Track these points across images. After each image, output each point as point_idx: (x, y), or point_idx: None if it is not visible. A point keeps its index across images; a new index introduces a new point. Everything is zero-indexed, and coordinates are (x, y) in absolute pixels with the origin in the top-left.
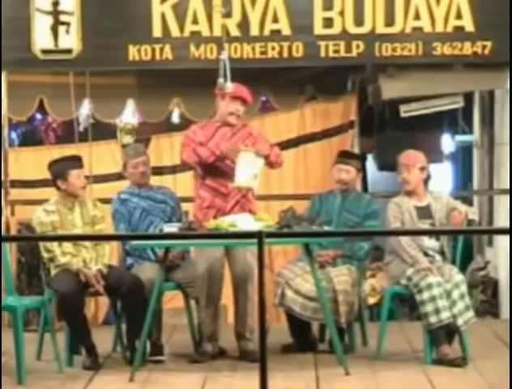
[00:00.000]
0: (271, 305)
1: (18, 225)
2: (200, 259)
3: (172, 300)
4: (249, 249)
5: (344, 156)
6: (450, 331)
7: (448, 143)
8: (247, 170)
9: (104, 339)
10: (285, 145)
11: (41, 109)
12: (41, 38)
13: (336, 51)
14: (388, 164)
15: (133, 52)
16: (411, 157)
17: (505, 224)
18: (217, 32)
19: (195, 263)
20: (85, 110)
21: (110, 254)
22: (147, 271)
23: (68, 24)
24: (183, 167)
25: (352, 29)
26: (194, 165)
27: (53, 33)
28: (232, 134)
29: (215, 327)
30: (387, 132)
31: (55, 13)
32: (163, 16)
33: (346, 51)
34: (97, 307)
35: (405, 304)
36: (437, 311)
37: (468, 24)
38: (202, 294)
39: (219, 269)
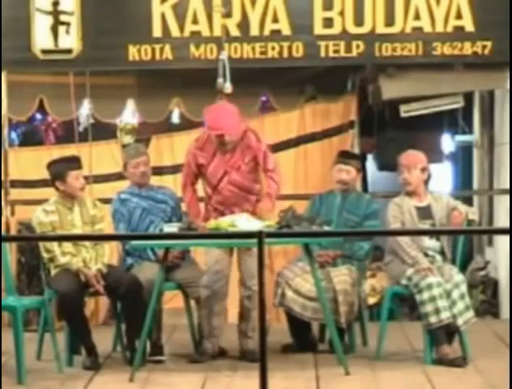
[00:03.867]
0: (271, 305)
1: (18, 225)
2: (207, 258)
3: (172, 300)
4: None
5: (344, 156)
6: (450, 331)
7: (448, 143)
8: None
9: (104, 339)
10: (285, 145)
11: (41, 109)
12: (41, 38)
13: (336, 51)
14: (388, 164)
15: (133, 52)
16: (412, 158)
17: (505, 224)
18: (217, 32)
19: (197, 263)
20: (85, 110)
21: (110, 254)
22: (147, 271)
23: (68, 24)
24: (183, 167)
25: (352, 29)
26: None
27: (53, 33)
28: (232, 153)
29: (217, 325)
30: (387, 132)
31: (55, 13)
32: (163, 16)
33: (346, 51)
34: (97, 307)
35: (405, 304)
36: (437, 311)
37: (468, 24)
38: (206, 293)
39: (226, 269)
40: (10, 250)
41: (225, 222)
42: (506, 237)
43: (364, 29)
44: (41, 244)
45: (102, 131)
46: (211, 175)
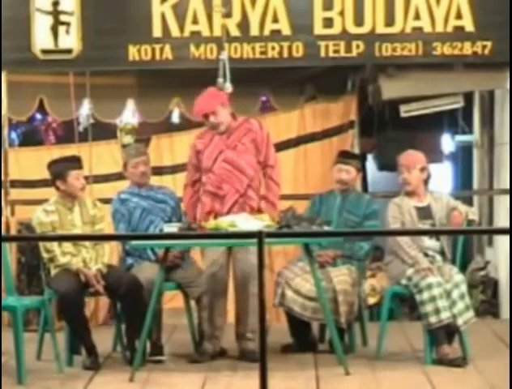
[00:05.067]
0: (271, 305)
1: (18, 225)
2: (205, 259)
3: (172, 300)
4: (251, 249)
5: (344, 156)
6: (450, 331)
7: (448, 143)
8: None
9: (104, 339)
10: (285, 145)
11: (41, 108)
12: (41, 38)
13: (336, 51)
14: (388, 164)
15: (133, 52)
16: (412, 158)
17: (505, 224)
18: (217, 32)
19: (197, 263)
20: (85, 110)
21: (110, 254)
22: (147, 271)
23: (68, 24)
24: (183, 167)
25: (352, 29)
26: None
27: (53, 33)
28: (229, 134)
29: (218, 325)
30: (387, 132)
31: (55, 13)
32: (163, 16)
33: (346, 51)
34: (97, 307)
35: (405, 304)
36: (437, 311)
37: (468, 24)
38: (205, 293)
39: (223, 269)
40: (10, 250)
41: (225, 222)
42: (506, 237)
43: (364, 29)
44: (41, 244)
45: (102, 131)
46: (206, 158)
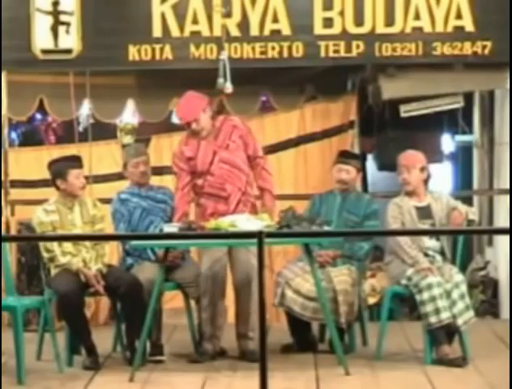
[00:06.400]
0: (271, 305)
1: (18, 225)
2: (203, 259)
3: (172, 300)
4: (251, 249)
5: (344, 156)
6: (450, 331)
7: (448, 143)
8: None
9: (104, 339)
10: (285, 145)
11: (41, 109)
12: (41, 38)
13: (336, 51)
14: (388, 164)
15: (133, 52)
16: (411, 158)
17: (505, 224)
18: (217, 32)
19: (197, 263)
20: (85, 110)
21: (110, 253)
22: (147, 271)
23: (68, 24)
24: None
25: (352, 29)
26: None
27: (53, 33)
28: (216, 135)
29: (218, 325)
30: (387, 132)
31: (55, 13)
32: (163, 16)
33: (346, 51)
34: (97, 307)
35: (405, 304)
36: (437, 311)
37: (468, 24)
38: (204, 294)
39: (222, 269)
40: (10, 250)
41: (225, 222)
42: (506, 237)
43: (364, 29)
44: (41, 244)
45: (102, 131)
46: (201, 162)
